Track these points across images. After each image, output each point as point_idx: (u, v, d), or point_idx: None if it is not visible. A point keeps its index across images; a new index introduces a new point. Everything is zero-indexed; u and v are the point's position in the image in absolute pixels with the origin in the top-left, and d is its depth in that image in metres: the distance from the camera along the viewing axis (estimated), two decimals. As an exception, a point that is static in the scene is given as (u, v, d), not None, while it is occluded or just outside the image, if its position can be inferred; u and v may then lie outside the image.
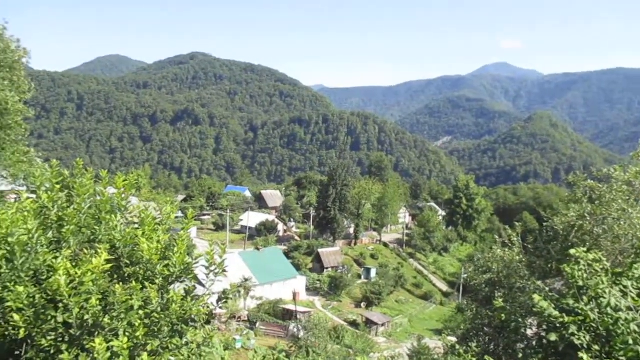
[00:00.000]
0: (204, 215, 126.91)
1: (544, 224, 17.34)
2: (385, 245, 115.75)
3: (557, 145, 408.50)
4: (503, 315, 9.23)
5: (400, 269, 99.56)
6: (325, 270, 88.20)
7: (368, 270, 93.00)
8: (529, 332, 9.79)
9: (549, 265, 15.60)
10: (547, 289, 9.42)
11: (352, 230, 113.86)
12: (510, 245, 17.74)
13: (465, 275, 77.70)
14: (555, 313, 7.39)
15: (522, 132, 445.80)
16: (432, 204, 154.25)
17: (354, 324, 69.21)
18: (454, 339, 22.39)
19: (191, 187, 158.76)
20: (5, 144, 24.69)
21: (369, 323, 68.92)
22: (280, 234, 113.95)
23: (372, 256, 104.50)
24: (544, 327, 8.29)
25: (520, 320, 9.14)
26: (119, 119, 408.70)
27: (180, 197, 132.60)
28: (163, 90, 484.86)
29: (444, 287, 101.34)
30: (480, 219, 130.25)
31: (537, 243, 17.11)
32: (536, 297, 7.67)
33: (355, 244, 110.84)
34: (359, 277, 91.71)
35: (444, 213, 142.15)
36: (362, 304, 79.09)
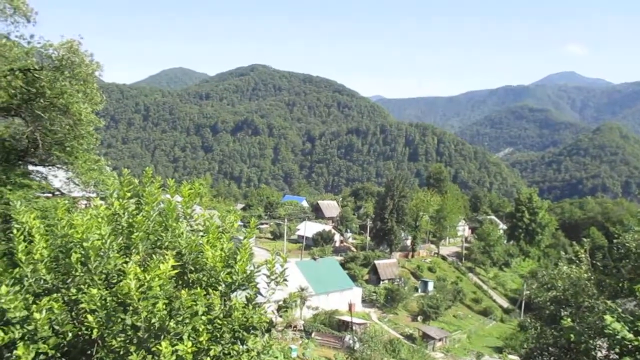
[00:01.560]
0: (262, 224, 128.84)
1: (614, 240, 16.49)
2: (444, 258, 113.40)
3: (627, 158, 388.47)
4: (572, 335, 8.82)
5: (459, 283, 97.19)
6: (381, 282, 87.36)
7: (425, 283, 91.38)
8: (599, 354, 9.31)
9: (620, 285, 14.80)
10: (619, 309, 8.92)
11: (409, 242, 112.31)
12: (577, 262, 16.98)
13: (528, 292, 75.04)
14: (630, 336, 7.00)
15: (590, 144, 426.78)
16: (493, 217, 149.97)
17: (410, 337, 68.04)
18: (515, 358, 21.62)
19: (250, 197, 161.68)
20: (78, 152, 26.01)
21: (426, 337, 67.56)
22: (337, 244, 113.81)
23: (430, 269, 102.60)
24: (617, 350, 7.86)
25: (590, 341, 8.71)
26: (182, 129, 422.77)
27: (239, 206, 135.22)
28: (224, 101, 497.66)
29: (505, 304, 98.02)
30: (544, 233, 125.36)
31: (607, 260, 16.29)
32: (608, 317, 7.30)
33: (413, 256, 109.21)
34: (416, 290, 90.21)
35: (504, 227, 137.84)
36: (419, 318, 77.68)
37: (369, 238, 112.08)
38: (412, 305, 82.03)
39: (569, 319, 9.42)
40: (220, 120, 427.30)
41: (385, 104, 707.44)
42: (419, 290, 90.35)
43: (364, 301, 79.61)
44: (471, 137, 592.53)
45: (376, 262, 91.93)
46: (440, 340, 68.94)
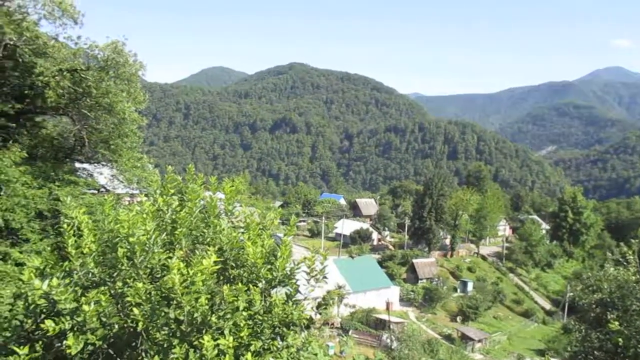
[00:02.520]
0: (300, 221, 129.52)
1: (665, 241, 15.86)
2: (483, 258, 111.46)
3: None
4: (620, 339, 8.55)
5: (499, 283, 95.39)
6: (419, 281, 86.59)
7: (464, 283, 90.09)
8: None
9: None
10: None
11: (448, 242, 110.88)
12: (624, 263, 16.40)
13: (572, 294, 72.97)
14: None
15: (638, 141, 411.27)
16: (535, 216, 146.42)
17: (448, 338, 67.20)
18: (558, 361, 21.07)
19: (288, 194, 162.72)
20: (122, 150, 26.73)
21: (465, 338, 66.58)
22: (374, 242, 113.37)
23: (469, 269, 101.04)
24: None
25: (639, 345, 8.41)
26: (222, 128, 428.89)
27: (277, 204, 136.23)
28: (263, 100, 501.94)
29: (547, 305, 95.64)
30: (589, 234, 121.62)
31: (657, 262, 15.68)
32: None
33: (451, 255, 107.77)
34: (455, 290, 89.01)
35: (547, 227, 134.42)
36: (458, 318, 76.64)
37: (407, 237, 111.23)
38: (451, 306, 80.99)
39: (616, 323, 9.11)
40: (258, 118, 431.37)
41: (423, 101, 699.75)
42: (458, 290, 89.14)
43: (401, 300, 79.09)
44: (512, 135, 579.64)
45: (414, 261, 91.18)
46: (479, 341, 67.83)
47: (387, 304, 66.99)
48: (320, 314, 7.03)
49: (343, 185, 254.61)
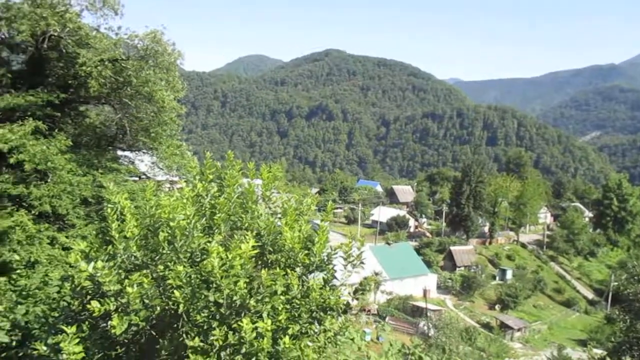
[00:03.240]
0: (336, 208, 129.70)
1: None
2: (523, 246, 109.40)
3: None
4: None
5: (540, 272, 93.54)
6: (457, 268, 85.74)
7: (503, 272, 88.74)
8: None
9: None
10: None
11: (486, 229, 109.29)
12: (673, 252, 15.82)
13: (616, 283, 71.01)
14: None
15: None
16: (577, 204, 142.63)
17: (487, 326, 66.47)
18: (600, 352, 20.59)
19: (324, 181, 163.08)
20: (162, 138, 27.27)
21: (504, 327, 65.73)
22: (411, 229, 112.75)
23: (508, 257, 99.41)
24: None
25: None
26: (258, 115, 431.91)
27: (314, 190, 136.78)
28: (299, 87, 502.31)
29: (590, 295, 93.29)
30: (635, 222, 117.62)
31: None
32: None
33: (490, 243, 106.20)
34: (493, 278, 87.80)
35: (590, 214, 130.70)
36: (497, 307, 75.66)
37: (444, 224, 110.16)
38: (490, 294, 79.99)
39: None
40: (295, 105, 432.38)
41: (462, 86, 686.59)
42: (497, 278, 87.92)
43: (439, 288, 78.58)
44: (554, 120, 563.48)
45: (452, 248, 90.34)
46: (519, 330, 66.88)
47: (424, 292, 66.62)
48: (357, 299, 7.05)
49: (380, 172, 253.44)
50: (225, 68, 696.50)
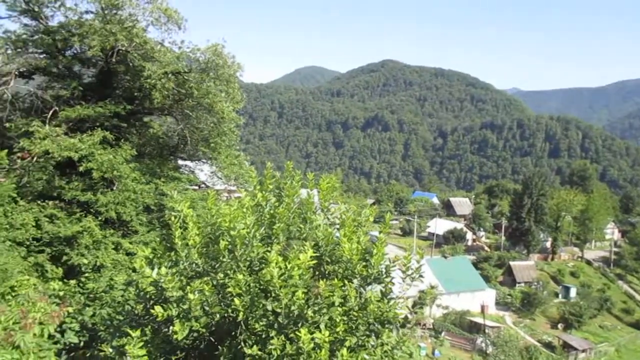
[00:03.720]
0: (392, 220, 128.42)
1: None
2: (588, 262, 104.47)
3: None
4: None
5: (606, 290, 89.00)
6: (517, 284, 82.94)
7: (567, 289, 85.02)
8: None
9: None
10: None
11: (548, 244, 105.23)
12: None
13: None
14: None
15: None
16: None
17: (548, 346, 63.75)
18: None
19: (380, 192, 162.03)
20: (221, 148, 27.94)
21: (567, 347, 62.83)
22: (469, 243, 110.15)
23: (572, 274, 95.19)
24: None
25: None
26: (314, 126, 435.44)
27: (369, 201, 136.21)
28: (355, 98, 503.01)
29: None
30: None
31: None
32: None
33: (552, 259, 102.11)
34: (556, 295, 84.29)
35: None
36: (559, 326, 72.47)
37: (503, 238, 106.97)
38: (552, 312, 76.77)
39: None
40: (351, 116, 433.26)
41: (522, 96, 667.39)
42: (560, 295, 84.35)
43: (497, 303, 76.18)
44: (622, 131, 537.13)
45: (511, 263, 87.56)
46: (583, 351, 63.74)
47: (482, 307, 64.73)
48: (415, 313, 6.90)
49: (436, 183, 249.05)
50: (283, 79, 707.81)
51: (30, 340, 5.69)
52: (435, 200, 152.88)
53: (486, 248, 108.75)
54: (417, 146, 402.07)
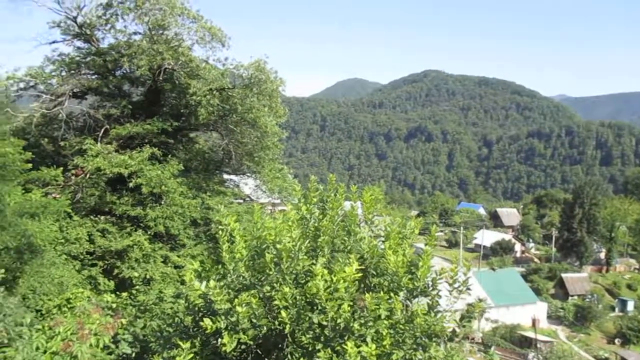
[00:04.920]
0: (437, 232, 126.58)
1: None
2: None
3: None
4: None
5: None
6: (569, 297, 79.97)
7: (624, 302, 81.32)
8: None
9: None
10: None
11: (602, 255, 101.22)
12: None
13: None
14: None
15: None
16: None
17: (605, 362, 61.10)
18: None
19: (424, 203, 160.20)
20: (265, 162, 28.34)
21: (625, 363, 60.05)
22: (517, 254, 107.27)
23: (629, 286, 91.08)
24: None
25: None
26: (357, 138, 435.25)
27: (413, 213, 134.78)
28: (397, 109, 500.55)
29: None
30: None
31: None
32: None
33: (607, 270, 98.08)
34: (612, 309, 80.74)
35: None
36: (616, 341, 69.32)
37: (554, 249, 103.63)
38: (608, 326, 73.55)
39: None
40: (393, 127, 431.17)
41: (571, 103, 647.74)
42: (616, 309, 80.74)
43: (549, 317, 73.64)
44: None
45: (563, 275, 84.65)
46: (643, 367, 60.76)
47: (533, 321, 62.76)
48: (464, 326, 6.78)
49: (482, 194, 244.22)
50: (325, 92, 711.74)
51: (87, 351, 5.91)
52: (482, 211, 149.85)
53: (536, 260, 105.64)
54: (462, 156, 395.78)
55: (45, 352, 5.83)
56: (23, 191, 17.23)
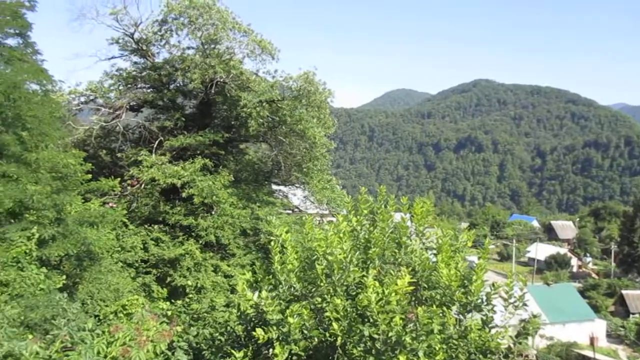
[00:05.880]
0: (489, 244, 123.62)
1: None
2: None
3: None
4: None
5: None
6: (631, 315, 76.16)
7: (690, 322, 76.90)
8: None
9: None
10: None
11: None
12: None
13: None
14: None
15: None
16: None
17: (670, 384, 57.80)
18: None
19: (474, 215, 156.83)
20: (313, 173, 28.52)
21: (693, 386, 56.63)
22: (574, 269, 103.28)
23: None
24: None
25: None
26: (405, 149, 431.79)
27: (463, 225, 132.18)
28: (446, 119, 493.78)
29: None
30: None
31: None
32: None
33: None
34: (679, 328, 76.43)
35: None
36: (684, 362, 65.57)
37: (613, 264, 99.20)
38: (674, 347, 69.69)
39: None
40: (442, 138, 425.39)
41: (630, 111, 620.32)
42: (684, 329, 76.41)
43: (608, 336, 70.33)
44: None
45: (624, 292, 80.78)
46: None
47: (592, 339, 60.08)
48: (520, 343, 6.58)
49: (535, 206, 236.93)
50: (373, 103, 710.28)
51: (144, 357, 6.08)
52: (535, 224, 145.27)
53: (594, 275, 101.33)
54: (514, 167, 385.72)
55: (105, 357, 6.04)
56: (83, 201, 17.97)
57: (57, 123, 14.74)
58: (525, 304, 6.28)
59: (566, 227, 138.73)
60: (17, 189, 11.83)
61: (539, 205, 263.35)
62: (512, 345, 6.68)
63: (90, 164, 17.01)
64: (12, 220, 12.54)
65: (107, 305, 14.48)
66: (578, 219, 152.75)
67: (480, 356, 6.06)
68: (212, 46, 24.50)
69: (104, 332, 6.55)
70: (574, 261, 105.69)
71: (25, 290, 10.61)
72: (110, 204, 22.51)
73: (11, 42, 14.35)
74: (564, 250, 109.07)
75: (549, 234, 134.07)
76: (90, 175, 16.95)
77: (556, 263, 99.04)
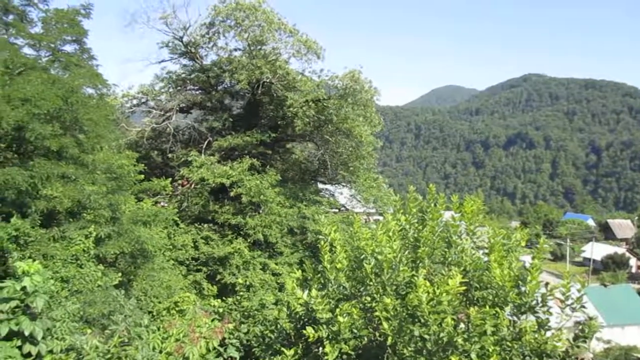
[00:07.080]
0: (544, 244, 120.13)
1: None
2: None
3: None
4: None
5: None
6: (695, 318, 72.49)
7: None
8: None
9: None
10: None
11: None
12: None
13: None
14: None
15: None
16: None
17: None
18: None
19: (525, 214, 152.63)
20: (359, 172, 28.41)
21: None
22: (633, 270, 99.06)
23: None
24: None
25: None
26: (453, 146, 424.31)
27: (514, 224, 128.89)
28: (495, 115, 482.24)
29: None
30: None
31: None
32: None
33: None
34: None
35: None
36: None
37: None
38: None
39: None
40: (491, 134, 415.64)
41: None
42: None
43: (672, 340, 67.18)
44: None
45: (687, 294, 76.87)
46: None
47: (653, 343, 57.36)
48: (577, 347, 6.35)
49: (591, 204, 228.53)
50: (419, 101, 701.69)
51: (196, 353, 6.20)
52: (591, 223, 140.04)
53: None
54: (567, 164, 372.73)
55: (160, 352, 6.21)
56: (136, 200, 18.53)
57: (111, 125, 15.27)
58: (583, 306, 6.05)
59: (624, 226, 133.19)
60: (75, 189, 12.31)
61: (594, 203, 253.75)
62: (569, 349, 6.46)
63: (143, 165, 17.53)
64: (71, 220, 13.07)
65: (160, 302, 14.87)
66: (637, 218, 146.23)
67: (536, 359, 5.87)
68: (259, 47, 24.76)
69: (158, 328, 6.73)
70: (633, 261, 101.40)
71: (84, 287, 11.05)
72: (162, 204, 23.13)
73: (68, 48, 14.97)
74: (621, 250, 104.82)
75: (606, 233, 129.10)
76: (142, 176, 17.46)
77: (614, 263, 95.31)
